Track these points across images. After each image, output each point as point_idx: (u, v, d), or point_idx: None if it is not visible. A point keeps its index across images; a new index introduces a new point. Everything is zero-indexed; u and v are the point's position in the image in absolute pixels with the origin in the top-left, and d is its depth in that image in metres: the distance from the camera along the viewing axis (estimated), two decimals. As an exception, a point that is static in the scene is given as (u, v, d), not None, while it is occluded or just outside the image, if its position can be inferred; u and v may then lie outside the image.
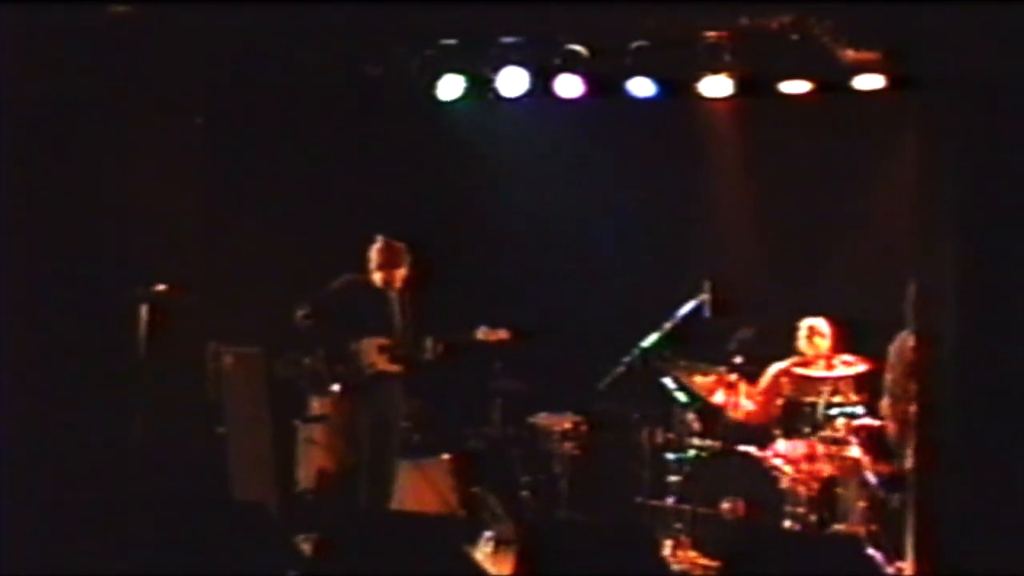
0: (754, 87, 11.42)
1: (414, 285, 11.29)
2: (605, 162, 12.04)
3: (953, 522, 9.70)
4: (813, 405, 10.72)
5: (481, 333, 11.12)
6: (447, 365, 11.18)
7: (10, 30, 10.02)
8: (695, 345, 11.27)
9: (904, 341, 10.15)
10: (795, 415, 10.84)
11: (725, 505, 10.60)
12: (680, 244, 11.98)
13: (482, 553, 10.27)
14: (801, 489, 10.48)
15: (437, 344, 11.08)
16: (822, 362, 10.93)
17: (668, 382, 11.18)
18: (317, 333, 11.09)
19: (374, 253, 11.27)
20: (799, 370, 11.02)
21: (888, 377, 10.61)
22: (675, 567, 10.27)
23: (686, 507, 10.72)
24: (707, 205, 12.07)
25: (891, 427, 10.51)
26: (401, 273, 11.26)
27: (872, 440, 10.55)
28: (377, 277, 11.25)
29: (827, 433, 10.60)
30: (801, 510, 10.45)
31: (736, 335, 10.98)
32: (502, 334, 11.13)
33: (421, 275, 11.32)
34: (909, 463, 9.72)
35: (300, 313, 11.05)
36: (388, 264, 11.24)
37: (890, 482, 10.31)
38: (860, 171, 11.46)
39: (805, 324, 11.11)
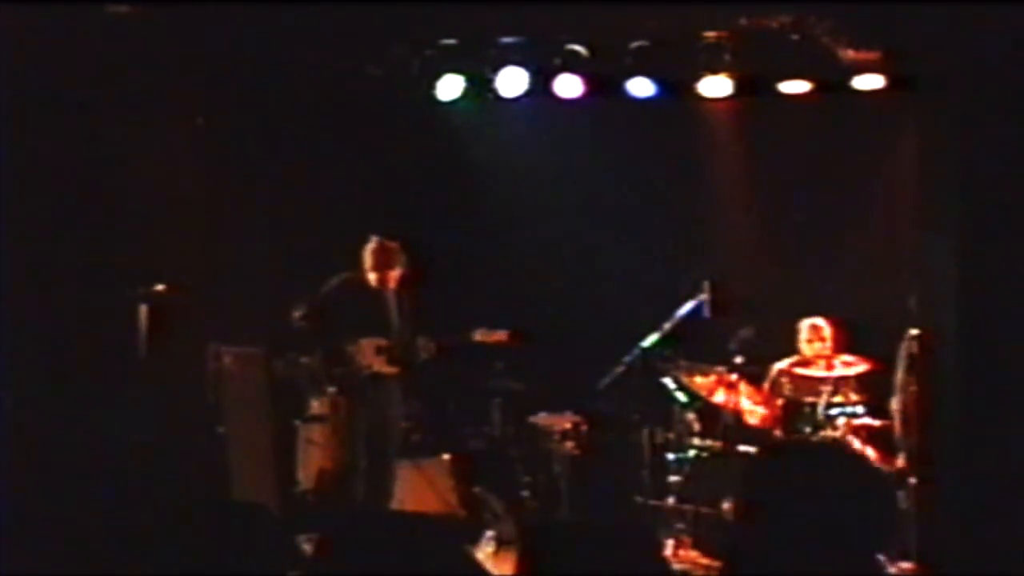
0: (754, 87, 11.41)
1: (410, 285, 11.28)
2: (605, 162, 12.03)
3: (955, 522, 9.69)
4: (813, 405, 10.73)
5: (479, 335, 11.11)
6: (446, 365, 11.18)
7: (10, 30, 10.01)
8: (695, 345, 11.25)
9: (913, 340, 10.15)
10: (795, 415, 10.84)
11: (725, 505, 10.60)
12: (680, 244, 11.97)
13: (483, 553, 10.26)
14: (801, 489, 10.47)
15: (429, 344, 11.08)
16: (822, 362, 10.93)
17: (668, 382, 11.16)
18: (315, 334, 11.09)
19: (367, 254, 11.27)
20: (800, 370, 11.02)
21: (899, 376, 10.58)
22: (676, 567, 10.27)
23: (686, 507, 10.71)
24: (707, 205, 12.06)
25: (900, 426, 10.46)
26: (395, 274, 11.26)
27: (873, 440, 10.54)
28: (372, 278, 11.25)
29: (827, 433, 10.59)
30: (801, 510, 10.44)
31: (736, 335, 10.97)
32: (500, 335, 11.13)
33: (416, 275, 11.32)
34: (913, 462, 9.71)
35: (296, 315, 11.05)
36: (382, 265, 11.24)
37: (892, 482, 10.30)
38: (860, 171, 11.46)
39: (806, 324, 11.11)
